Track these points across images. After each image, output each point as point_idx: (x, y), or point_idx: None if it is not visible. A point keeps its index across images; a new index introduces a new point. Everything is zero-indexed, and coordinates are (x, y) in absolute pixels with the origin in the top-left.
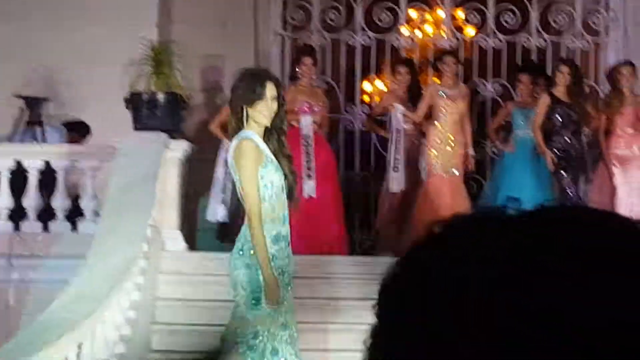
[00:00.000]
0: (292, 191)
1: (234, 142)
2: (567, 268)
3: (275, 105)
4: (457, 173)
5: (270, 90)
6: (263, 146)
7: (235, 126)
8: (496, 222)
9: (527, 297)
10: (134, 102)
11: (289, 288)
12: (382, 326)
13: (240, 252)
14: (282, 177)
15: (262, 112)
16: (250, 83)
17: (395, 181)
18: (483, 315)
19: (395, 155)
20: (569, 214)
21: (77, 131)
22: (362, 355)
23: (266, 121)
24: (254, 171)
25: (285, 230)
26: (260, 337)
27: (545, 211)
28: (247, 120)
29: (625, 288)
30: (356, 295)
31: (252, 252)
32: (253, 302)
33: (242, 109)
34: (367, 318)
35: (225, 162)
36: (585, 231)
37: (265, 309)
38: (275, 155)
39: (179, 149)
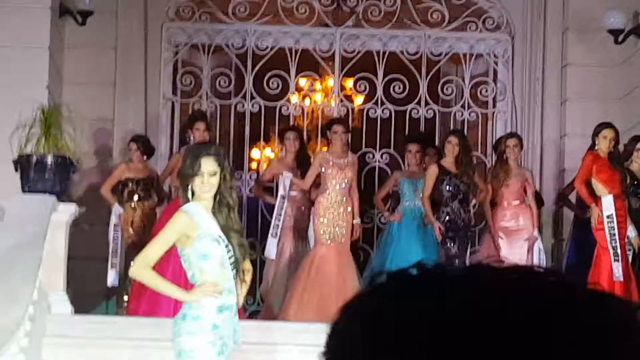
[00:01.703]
0: (238, 264)
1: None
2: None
3: (213, 180)
4: (344, 242)
5: (206, 165)
6: (201, 219)
7: (183, 200)
8: (436, 279)
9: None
10: (22, 164)
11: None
12: None
13: (183, 318)
14: (225, 250)
15: (200, 188)
16: (188, 159)
17: (271, 247)
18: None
19: (275, 222)
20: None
21: None
22: None
23: (205, 195)
24: (167, 238)
25: (231, 301)
26: None
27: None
28: (193, 194)
29: None
30: None
31: (194, 318)
32: None
33: (187, 185)
34: None
35: (115, 226)
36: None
37: None
38: (223, 229)
39: (67, 211)
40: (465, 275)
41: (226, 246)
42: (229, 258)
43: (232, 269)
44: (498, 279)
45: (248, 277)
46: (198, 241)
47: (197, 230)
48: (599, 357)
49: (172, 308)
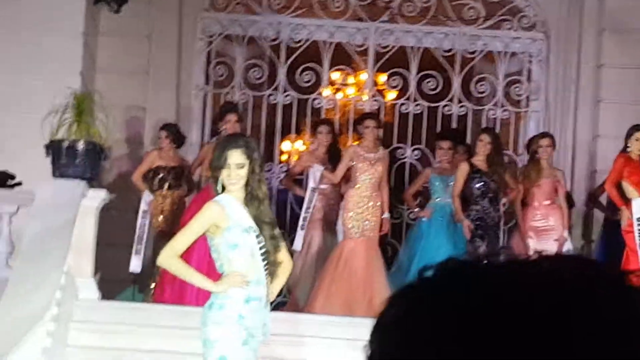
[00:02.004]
0: (270, 256)
1: None
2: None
3: (241, 172)
4: (372, 236)
5: (233, 158)
6: (232, 211)
7: (214, 191)
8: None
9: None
10: (53, 149)
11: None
12: None
13: (210, 308)
14: (256, 240)
15: (227, 180)
16: (217, 151)
17: (298, 240)
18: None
19: (304, 214)
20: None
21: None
22: None
23: (233, 187)
24: (196, 229)
25: (260, 292)
26: None
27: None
28: (223, 187)
29: None
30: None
31: (220, 307)
32: None
33: (217, 177)
34: None
35: (143, 213)
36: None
37: None
38: (255, 221)
39: (96, 197)
40: (495, 268)
41: (257, 237)
42: (260, 249)
43: (263, 260)
44: (526, 272)
45: (282, 271)
46: (228, 232)
47: (227, 222)
48: (620, 349)
49: (195, 297)
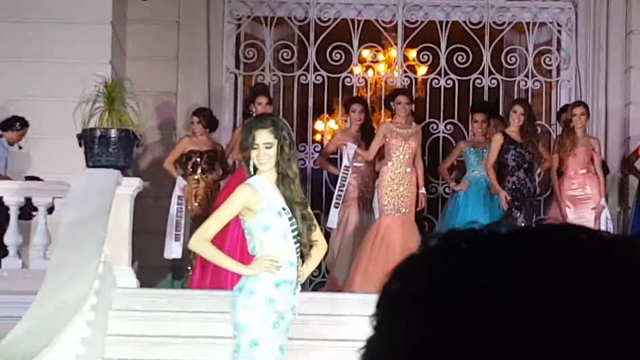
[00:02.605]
0: (303, 237)
1: None
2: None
3: (270, 152)
4: (409, 212)
5: (260, 137)
6: (264, 192)
7: (247, 173)
8: (491, 238)
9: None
10: (86, 138)
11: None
12: (379, 335)
13: (240, 292)
14: (289, 223)
15: (257, 160)
16: (244, 132)
17: (333, 217)
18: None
19: (338, 192)
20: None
21: (12, 128)
22: None
23: (263, 167)
24: (228, 212)
25: (291, 275)
26: None
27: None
28: (256, 168)
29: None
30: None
31: (250, 292)
32: (250, 344)
33: (248, 157)
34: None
35: (178, 198)
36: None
37: (260, 356)
38: (287, 201)
39: (131, 185)
40: (514, 233)
41: (289, 219)
42: (292, 231)
43: (295, 243)
44: (543, 237)
45: (316, 251)
46: (261, 213)
47: (260, 203)
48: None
49: (230, 280)
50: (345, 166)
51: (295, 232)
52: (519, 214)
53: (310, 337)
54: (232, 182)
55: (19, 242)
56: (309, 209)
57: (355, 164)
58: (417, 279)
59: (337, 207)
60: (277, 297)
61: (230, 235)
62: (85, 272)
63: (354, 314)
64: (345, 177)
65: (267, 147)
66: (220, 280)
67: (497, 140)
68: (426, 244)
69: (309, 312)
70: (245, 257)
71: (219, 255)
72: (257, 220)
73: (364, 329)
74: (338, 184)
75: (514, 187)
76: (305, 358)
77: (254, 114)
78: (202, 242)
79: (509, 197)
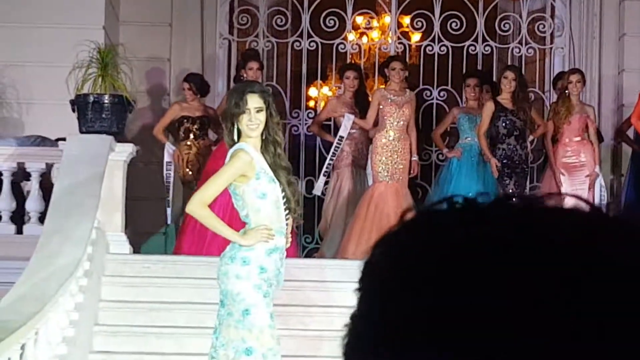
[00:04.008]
0: (290, 203)
1: (230, 150)
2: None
3: (260, 116)
4: (402, 179)
5: (252, 102)
6: (257, 157)
7: (229, 141)
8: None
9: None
10: (79, 104)
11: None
12: (363, 308)
13: (232, 260)
14: (279, 189)
15: (247, 125)
16: (233, 97)
17: (319, 184)
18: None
19: (329, 161)
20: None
21: None
22: (342, 340)
23: (253, 133)
24: (227, 177)
25: (280, 242)
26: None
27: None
28: (239, 135)
29: None
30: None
31: (243, 261)
32: (242, 313)
33: (233, 124)
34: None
35: (167, 164)
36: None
37: (254, 324)
38: (272, 167)
39: (124, 151)
40: (490, 208)
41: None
42: (282, 198)
43: (285, 209)
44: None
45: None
46: (256, 180)
47: (255, 169)
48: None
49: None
50: (340, 136)
51: (285, 200)
52: (509, 181)
53: (303, 303)
54: (220, 149)
55: (12, 207)
56: (292, 175)
57: (349, 131)
58: (391, 252)
59: (325, 176)
60: (268, 264)
61: (219, 205)
62: (79, 238)
63: (346, 280)
64: (338, 147)
65: (258, 112)
66: (203, 242)
67: (489, 107)
68: (404, 217)
69: (301, 278)
70: (234, 225)
71: (216, 221)
72: (253, 187)
73: (355, 296)
74: (330, 153)
75: (505, 154)
76: (299, 325)
77: (245, 80)
78: (201, 208)
79: (499, 165)
